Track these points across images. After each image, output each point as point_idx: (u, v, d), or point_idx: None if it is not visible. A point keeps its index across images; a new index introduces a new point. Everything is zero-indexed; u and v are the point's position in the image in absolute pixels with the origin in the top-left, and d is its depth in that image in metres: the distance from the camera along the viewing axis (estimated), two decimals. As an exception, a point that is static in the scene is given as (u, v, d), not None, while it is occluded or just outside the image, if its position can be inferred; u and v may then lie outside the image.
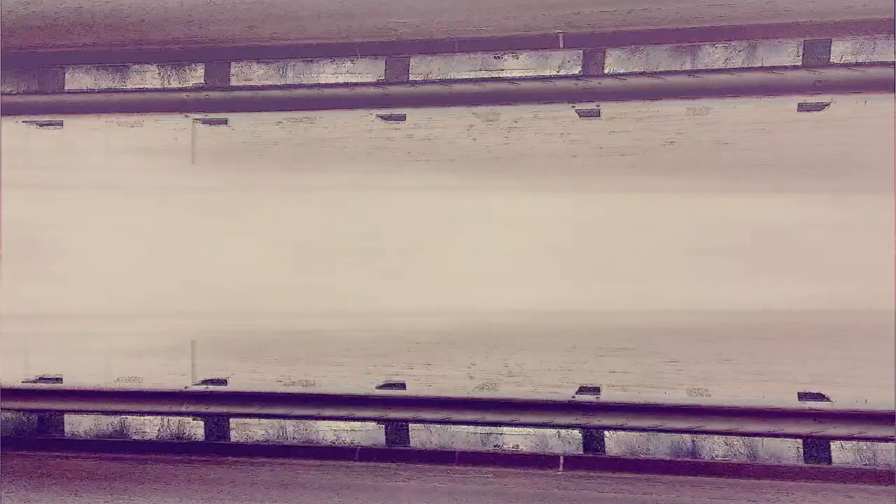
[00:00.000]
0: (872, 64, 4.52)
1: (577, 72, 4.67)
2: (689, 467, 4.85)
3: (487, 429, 5.00)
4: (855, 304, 6.67)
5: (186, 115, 5.07)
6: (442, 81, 4.80)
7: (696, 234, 6.94)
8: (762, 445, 4.83)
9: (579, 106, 4.74)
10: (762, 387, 5.28)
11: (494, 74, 4.74)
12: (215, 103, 5.02)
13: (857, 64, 4.51)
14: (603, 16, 4.58)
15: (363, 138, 5.55)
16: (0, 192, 6.81)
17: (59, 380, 5.52)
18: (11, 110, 5.14)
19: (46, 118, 5.16)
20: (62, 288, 7.14)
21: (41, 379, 5.53)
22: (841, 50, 4.48)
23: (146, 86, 5.00)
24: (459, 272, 7.12)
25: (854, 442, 4.84)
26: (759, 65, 4.55)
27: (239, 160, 6.28)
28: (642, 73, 4.63)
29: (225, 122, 5.11)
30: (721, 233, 6.93)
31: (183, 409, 5.27)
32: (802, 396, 4.97)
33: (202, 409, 5.26)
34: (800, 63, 4.51)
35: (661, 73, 4.59)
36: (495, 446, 5.01)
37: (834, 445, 4.81)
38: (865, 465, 4.79)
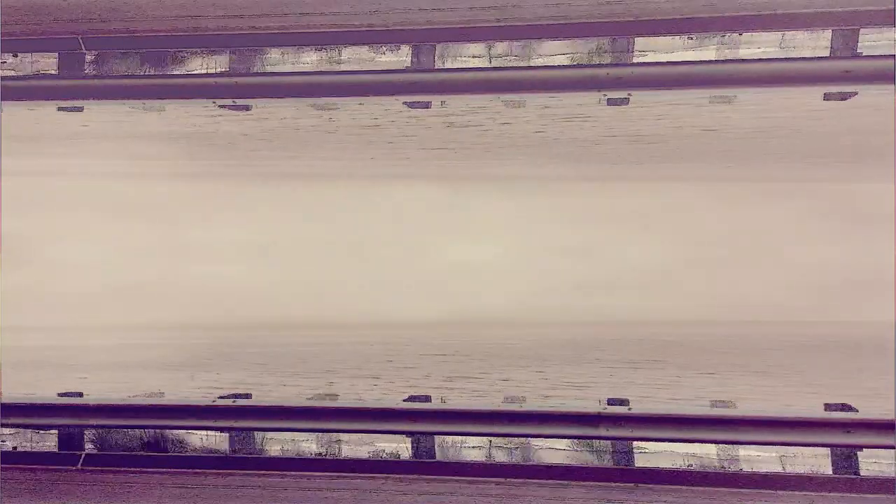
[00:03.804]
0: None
1: (606, 60, 4.66)
2: (720, 479, 4.82)
3: (519, 441, 4.95)
4: (864, 316, 6.69)
5: (213, 102, 4.98)
6: (470, 69, 4.76)
7: (708, 235, 6.95)
8: (791, 456, 4.81)
9: (608, 94, 4.72)
10: (791, 398, 5.27)
11: (526, 62, 4.71)
12: (240, 89, 4.95)
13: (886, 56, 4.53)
14: (635, 4, 4.58)
15: (387, 126, 5.51)
16: (0, 190, 6.70)
17: (79, 394, 5.41)
18: (28, 94, 5.04)
19: (69, 103, 5.06)
20: (70, 297, 7.04)
21: (63, 394, 5.41)
22: (870, 39, 4.49)
23: (171, 71, 4.92)
24: (478, 278, 7.08)
25: (881, 453, 4.82)
26: (788, 55, 4.56)
27: (259, 148, 6.23)
28: (673, 63, 4.62)
29: (247, 108, 5.03)
30: (731, 235, 6.95)
31: (209, 423, 5.18)
32: (829, 407, 4.94)
33: (228, 423, 5.17)
34: (828, 53, 4.52)
35: (691, 62, 4.60)
36: (526, 459, 4.96)
37: (862, 456, 4.79)
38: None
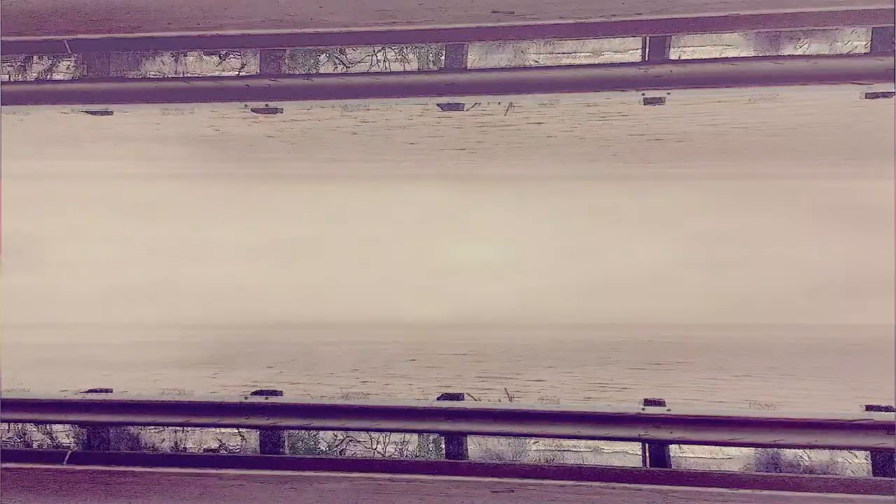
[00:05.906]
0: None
1: (641, 58, 4.62)
2: (758, 482, 4.79)
3: (550, 442, 4.89)
4: (865, 317, 6.71)
5: (245, 105, 4.88)
6: (505, 69, 4.70)
7: (709, 235, 6.95)
8: (830, 459, 4.78)
9: (647, 93, 4.67)
10: (827, 402, 5.25)
11: (557, 61, 4.66)
12: (269, 91, 4.85)
13: None
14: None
15: (417, 127, 5.45)
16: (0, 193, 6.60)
17: (109, 391, 5.29)
18: (60, 98, 4.91)
19: (99, 107, 4.93)
20: (72, 297, 6.95)
21: (91, 391, 5.28)
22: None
23: (197, 73, 4.83)
24: (482, 278, 7.04)
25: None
26: (829, 52, 4.54)
27: (273, 150, 6.15)
28: (713, 60, 4.59)
29: (279, 111, 4.94)
30: (732, 235, 6.95)
31: (239, 421, 5.07)
32: (870, 408, 4.90)
33: (257, 421, 5.07)
34: (868, 50, 4.51)
35: (731, 59, 4.56)
36: (557, 460, 4.91)
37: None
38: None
